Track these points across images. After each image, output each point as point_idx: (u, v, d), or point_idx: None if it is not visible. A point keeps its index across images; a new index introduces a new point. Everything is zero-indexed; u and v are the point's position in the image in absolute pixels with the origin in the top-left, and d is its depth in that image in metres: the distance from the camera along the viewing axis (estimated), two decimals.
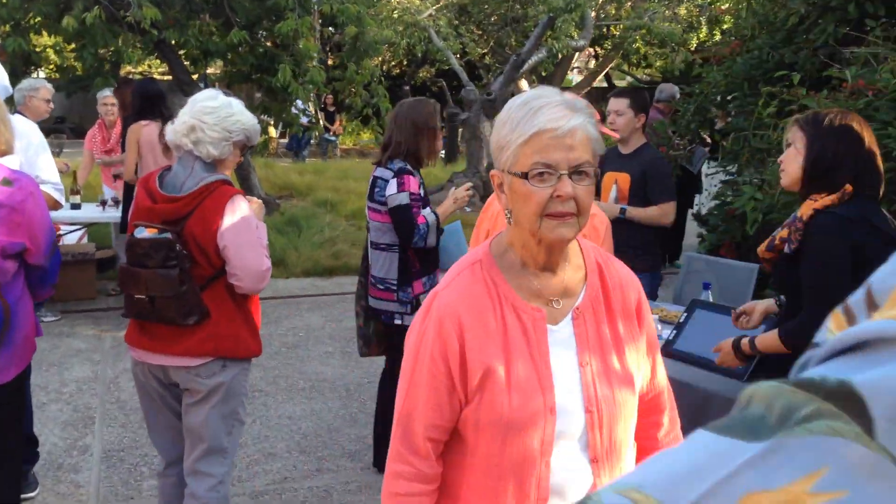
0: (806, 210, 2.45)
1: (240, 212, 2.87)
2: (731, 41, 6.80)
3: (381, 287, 3.83)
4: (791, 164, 2.53)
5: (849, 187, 2.41)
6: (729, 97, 5.80)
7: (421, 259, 3.79)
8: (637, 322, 1.57)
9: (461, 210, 3.84)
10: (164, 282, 2.77)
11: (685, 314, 3.18)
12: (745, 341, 2.55)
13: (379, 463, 4.12)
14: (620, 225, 3.99)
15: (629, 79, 25.31)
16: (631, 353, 1.55)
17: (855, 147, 2.43)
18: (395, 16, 13.68)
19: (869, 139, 2.45)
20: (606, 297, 1.56)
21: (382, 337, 4.10)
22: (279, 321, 6.96)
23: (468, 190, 3.83)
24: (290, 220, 9.96)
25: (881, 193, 2.47)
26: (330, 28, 9.65)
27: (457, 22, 14.06)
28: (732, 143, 5.65)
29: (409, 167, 3.75)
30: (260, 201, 3.17)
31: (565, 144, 1.40)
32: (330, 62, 10.68)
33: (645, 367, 1.60)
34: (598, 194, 4.41)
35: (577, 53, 16.40)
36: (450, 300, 1.51)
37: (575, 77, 24.31)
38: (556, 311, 1.52)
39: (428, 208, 3.75)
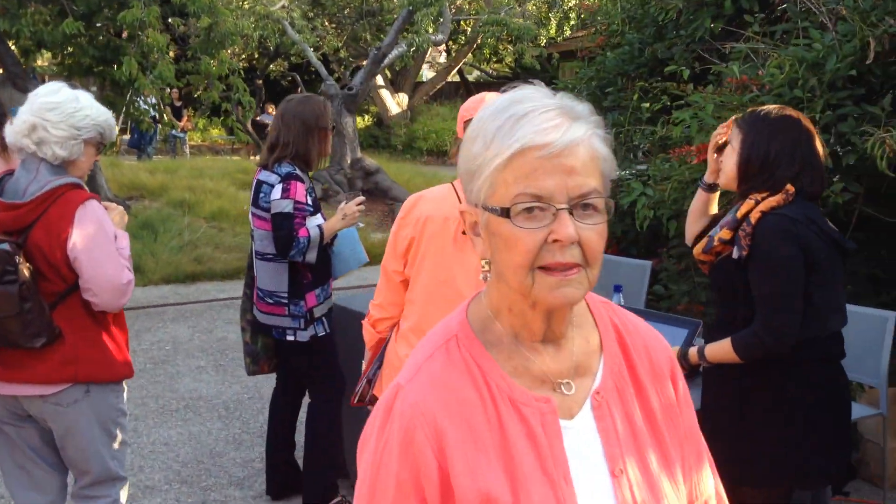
0: (750, 210, 2.36)
1: (93, 219, 2.59)
2: (597, 37, 6.83)
3: (270, 301, 3.51)
4: (727, 162, 2.45)
5: (790, 187, 2.34)
6: (606, 91, 5.77)
7: (313, 269, 3.50)
8: (675, 397, 1.17)
9: (353, 226, 3.57)
10: (3, 299, 2.45)
11: None
12: (692, 352, 2.44)
13: (273, 490, 3.80)
14: None
15: (476, 73, 25.58)
16: (674, 445, 1.14)
17: (791, 143, 2.36)
18: (247, 6, 13.10)
19: (809, 135, 2.38)
20: (632, 369, 1.14)
21: (272, 353, 3.79)
22: (141, 334, 6.43)
23: (359, 205, 3.56)
24: (144, 223, 9.32)
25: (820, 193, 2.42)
26: (180, 18, 9.01)
27: (311, 14, 13.63)
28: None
29: (297, 172, 3.45)
30: (121, 209, 2.85)
31: (563, 166, 1.00)
32: (172, 54, 10.04)
33: (695, 464, 1.18)
34: None
35: (429, 49, 16.34)
36: (420, 398, 1.05)
37: (426, 73, 24.30)
38: (568, 400, 1.09)
39: (315, 220, 3.45)
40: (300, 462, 3.87)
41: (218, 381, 5.51)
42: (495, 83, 25.59)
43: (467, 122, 2.38)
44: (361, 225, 3.65)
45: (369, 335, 2.54)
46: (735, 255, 2.37)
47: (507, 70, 25.72)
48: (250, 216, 3.60)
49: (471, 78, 25.17)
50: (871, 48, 3.60)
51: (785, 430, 2.35)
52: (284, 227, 3.36)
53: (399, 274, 2.46)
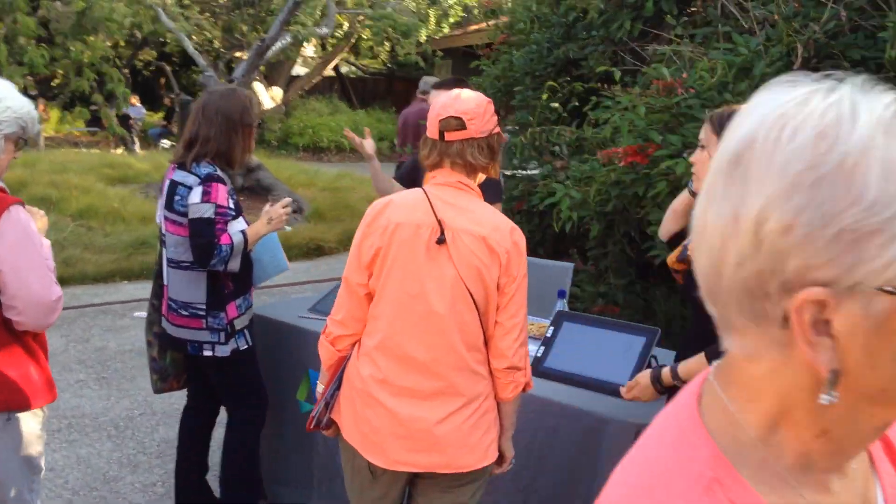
0: None
1: (18, 227, 2.29)
2: (498, 34, 6.76)
3: (185, 313, 3.19)
4: (704, 168, 2.33)
5: None
6: (514, 90, 5.69)
7: (234, 278, 3.20)
8: None
9: (280, 230, 3.30)
10: None
11: (552, 328, 2.92)
12: (665, 372, 2.31)
13: None
14: None
15: (350, 68, 25.22)
16: None
17: None
18: None
19: None
20: None
21: (182, 368, 3.47)
22: None
23: (286, 207, 3.29)
24: None
25: None
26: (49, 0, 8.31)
27: (187, 2, 12.95)
28: (514, 138, 5.57)
29: (218, 173, 3.14)
30: (43, 212, 2.53)
31: None
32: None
33: None
34: None
35: (303, 43, 15.93)
36: None
37: (298, 69, 23.73)
38: None
39: (238, 225, 3.17)
40: (213, 485, 3.57)
41: (103, 395, 5.06)
42: (370, 79, 25.37)
43: (444, 121, 2.19)
44: (289, 228, 3.41)
45: (327, 353, 2.30)
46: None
47: (381, 66, 25.50)
48: (161, 220, 3.27)
49: (345, 72, 24.81)
50: (798, 53, 3.64)
51: None
52: (205, 234, 3.06)
53: (363, 287, 2.23)
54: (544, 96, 5.53)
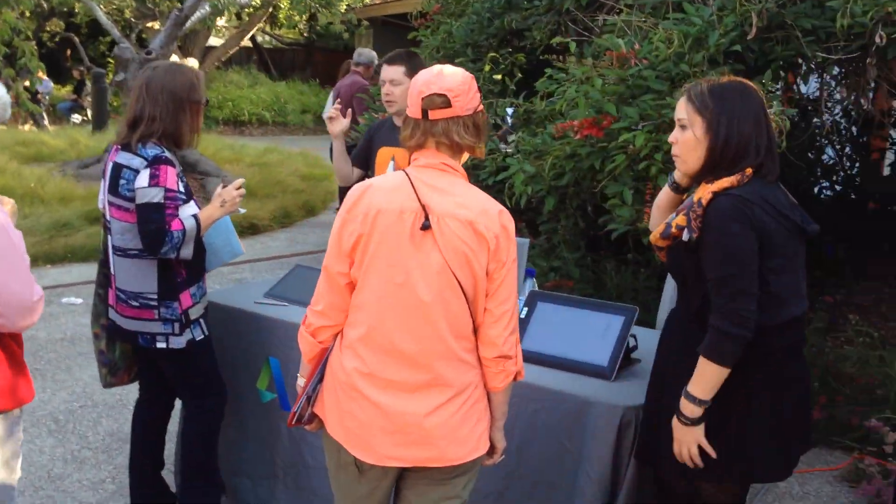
0: (703, 194, 2.21)
1: None
2: (433, 4, 6.61)
3: (136, 304, 3.01)
4: (690, 152, 2.25)
5: (749, 170, 2.21)
6: (455, 62, 5.56)
7: (188, 265, 3.04)
8: None
9: (233, 213, 3.14)
10: None
11: (525, 309, 2.86)
12: (685, 406, 2.20)
13: None
14: None
15: (267, 38, 24.62)
16: None
17: (761, 127, 2.23)
18: None
19: (766, 110, 2.26)
20: None
21: (132, 360, 3.29)
22: None
23: (239, 189, 3.12)
24: None
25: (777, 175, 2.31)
26: None
27: None
28: None
29: (166, 154, 2.96)
30: (12, 201, 2.37)
31: None
32: None
33: None
34: (370, 171, 3.95)
35: (223, 13, 15.42)
36: None
37: (213, 39, 23.02)
38: None
39: (189, 209, 3.00)
40: (170, 481, 3.42)
41: (38, 388, 4.78)
42: (288, 50, 24.83)
43: (427, 99, 2.09)
44: (243, 211, 3.23)
45: (308, 345, 2.19)
46: (685, 237, 2.22)
47: (299, 36, 24.97)
48: (104, 205, 3.07)
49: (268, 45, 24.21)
50: (753, 23, 3.63)
51: (746, 425, 2.25)
52: (154, 220, 2.88)
53: (344, 276, 2.12)
54: (486, 68, 5.42)
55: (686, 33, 3.70)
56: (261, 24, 20.45)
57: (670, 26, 3.84)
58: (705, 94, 2.23)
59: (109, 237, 3.06)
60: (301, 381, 2.28)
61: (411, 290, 2.06)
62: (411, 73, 3.76)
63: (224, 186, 3.17)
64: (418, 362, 2.09)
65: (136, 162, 2.93)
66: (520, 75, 5.25)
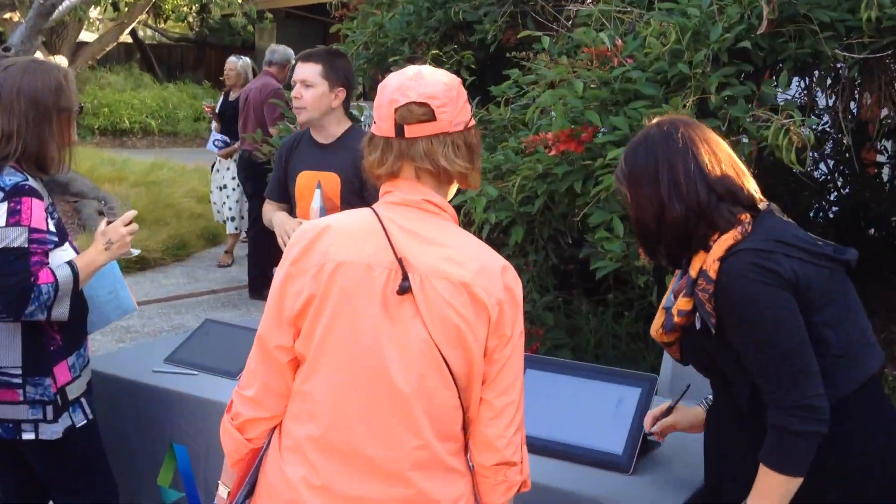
0: (709, 264, 1.99)
1: None
2: None
3: None
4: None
5: (744, 215, 2.00)
6: (390, 60, 5.32)
7: (63, 328, 2.70)
8: None
9: (125, 256, 2.85)
10: None
11: None
12: None
13: None
14: None
15: (151, 33, 24.14)
16: None
17: (702, 167, 2.02)
18: None
19: (707, 147, 2.06)
20: None
21: None
22: None
23: (129, 224, 2.80)
24: None
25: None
26: None
27: None
28: None
29: (30, 183, 2.63)
30: None
31: None
32: None
33: None
34: (291, 204, 3.66)
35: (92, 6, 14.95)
36: None
37: (85, 34, 22.40)
38: None
39: (63, 254, 2.69)
40: None
41: None
42: (176, 47, 24.30)
43: (403, 110, 1.84)
44: (136, 253, 2.91)
45: (234, 444, 1.88)
46: (698, 325, 2.03)
47: (189, 31, 24.52)
48: None
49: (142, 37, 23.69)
50: (764, 15, 3.45)
51: None
52: (15, 272, 2.53)
53: (286, 351, 1.83)
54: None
55: (683, 26, 3.50)
56: (143, 17, 19.92)
57: (661, 18, 3.65)
58: (624, 173, 2.13)
59: None
60: (223, 492, 1.99)
61: (383, 376, 1.78)
62: (330, 75, 3.58)
63: (108, 220, 2.85)
64: (390, 473, 1.81)
65: None
66: (469, 77, 5.03)
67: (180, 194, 10.35)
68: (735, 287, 1.93)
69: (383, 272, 1.79)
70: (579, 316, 4.68)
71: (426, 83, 1.84)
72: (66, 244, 2.72)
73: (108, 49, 19.29)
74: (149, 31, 24.14)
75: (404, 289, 1.77)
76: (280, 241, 3.51)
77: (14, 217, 2.55)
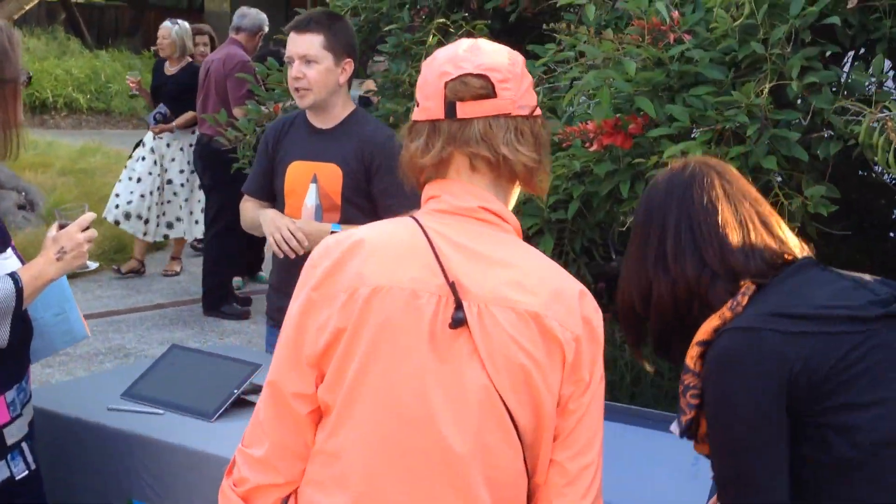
0: (689, 354, 1.98)
1: None
2: None
3: None
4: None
5: (746, 283, 1.96)
6: (386, 30, 5.36)
7: (1, 356, 2.70)
8: None
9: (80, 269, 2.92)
10: None
11: None
12: None
13: None
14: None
15: None
16: None
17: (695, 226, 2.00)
18: None
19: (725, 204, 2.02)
20: None
21: None
22: None
23: (86, 230, 2.84)
24: None
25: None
26: None
27: None
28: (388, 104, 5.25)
29: None
30: None
31: None
32: None
33: None
34: (277, 202, 3.69)
35: None
36: None
37: None
38: None
39: (6, 262, 2.73)
40: None
41: None
42: (110, 7, 24.37)
43: (455, 84, 1.83)
44: (93, 265, 2.97)
45: None
46: (673, 428, 2.04)
47: None
48: None
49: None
50: None
51: None
52: None
53: (306, 400, 1.80)
54: (431, 39, 5.23)
55: None
56: None
57: None
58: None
59: None
60: None
61: (430, 431, 1.77)
62: (336, 45, 3.57)
63: (60, 224, 2.85)
64: None
65: None
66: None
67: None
68: (710, 377, 1.92)
69: (431, 300, 1.77)
70: (612, 346, 4.67)
71: (485, 53, 1.84)
72: (9, 250, 2.73)
73: (27, 8, 19.32)
74: None
75: (458, 321, 1.76)
76: (272, 243, 3.47)
77: None
